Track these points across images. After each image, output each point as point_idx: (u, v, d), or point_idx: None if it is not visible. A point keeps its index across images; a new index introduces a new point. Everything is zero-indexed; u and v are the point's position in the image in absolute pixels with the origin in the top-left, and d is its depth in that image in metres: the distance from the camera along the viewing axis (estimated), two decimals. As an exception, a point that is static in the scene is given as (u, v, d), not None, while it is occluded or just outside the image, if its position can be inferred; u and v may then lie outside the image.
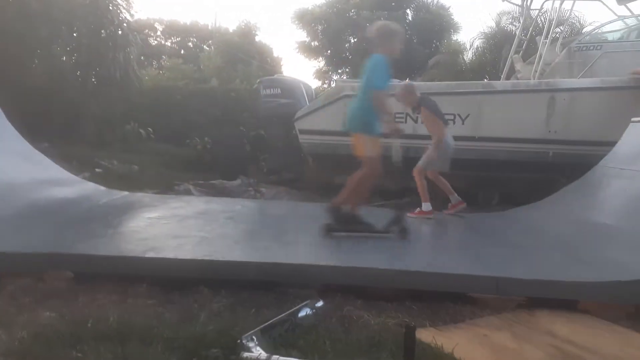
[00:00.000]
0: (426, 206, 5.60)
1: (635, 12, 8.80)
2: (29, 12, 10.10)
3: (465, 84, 8.48)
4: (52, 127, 9.82)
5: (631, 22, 8.67)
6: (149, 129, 11.88)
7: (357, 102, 4.33)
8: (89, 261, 3.36)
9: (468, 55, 17.69)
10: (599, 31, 9.05)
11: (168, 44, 25.61)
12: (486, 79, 13.19)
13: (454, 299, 3.23)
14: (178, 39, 25.93)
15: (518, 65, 9.41)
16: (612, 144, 5.53)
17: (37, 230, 3.89)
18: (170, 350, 2.37)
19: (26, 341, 2.33)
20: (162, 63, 19.85)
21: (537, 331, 2.77)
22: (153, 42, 24.39)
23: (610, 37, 8.75)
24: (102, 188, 6.01)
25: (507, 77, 9.63)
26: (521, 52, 9.64)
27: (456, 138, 7.51)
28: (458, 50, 17.99)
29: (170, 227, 4.33)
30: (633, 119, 5.41)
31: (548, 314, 2.99)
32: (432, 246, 4.01)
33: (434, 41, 19.73)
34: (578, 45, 8.62)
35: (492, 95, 7.86)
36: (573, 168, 5.86)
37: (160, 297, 3.14)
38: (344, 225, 4.31)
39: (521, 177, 7.20)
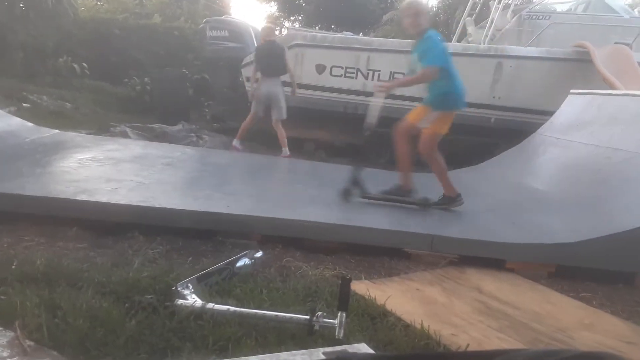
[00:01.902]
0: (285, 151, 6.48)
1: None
2: None
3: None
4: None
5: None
6: (84, 64, 11.12)
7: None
8: (15, 200, 3.17)
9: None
10: (549, 1, 9.27)
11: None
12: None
13: (390, 254, 3.34)
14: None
15: (470, 29, 9.51)
16: (551, 113, 5.78)
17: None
18: (101, 294, 2.30)
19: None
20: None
21: (465, 287, 2.92)
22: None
23: (559, 8, 9.00)
24: (30, 124, 5.59)
25: (459, 40, 9.72)
26: (474, 15, 9.72)
27: (405, 98, 7.58)
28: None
29: (104, 169, 4.13)
30: (572, 91, 5.65)
31: (476, 272, 3.17)
32: (371, 202, 4.07)
33: (389, -3, 19.53)
34: (528, 13, 8.80)
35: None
36: (513, 134, 6.09)
37: (91, 241, 3.05)
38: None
39: (463, 140, 7.41)
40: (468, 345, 2.17)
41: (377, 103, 4.10)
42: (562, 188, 4.24)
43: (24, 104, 7.87)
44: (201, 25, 10.21)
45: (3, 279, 2.32)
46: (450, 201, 4.10)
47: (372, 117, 4.11)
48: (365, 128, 4.12)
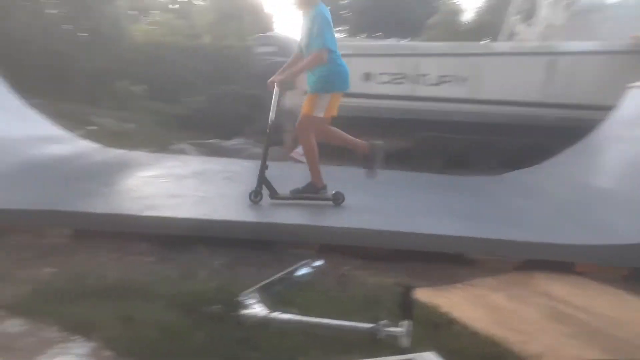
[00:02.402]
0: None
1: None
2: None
3: (465, 45, 8.35)
4: (44, 83, 9.62)
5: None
6: (143, 86, 11.68)
7: None
8: (88, 218, 3.35)
9: (468, 16, 17.38)
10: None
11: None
12: (486, 40, 12.99)
13: (453, 261, 3.27)
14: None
15: (519, 27, 9.25)
16: (610, 108, 5.51)
17: (34, 187, 3.86)
18: (170, 306, 2.39)
19: (28, 296, 2.34)
20: (153, 18, 19.30)
21: (533, 292, 2.82)
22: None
23: (612, 1, 8.59)
24: (97, 145, 5.94)
25: (508, 39, 9.47)
26: (522, 13, 9.44)
27: (454, 100, 7.47)
28: (457, 10, 17.65)
29: (167, 186, 4.31)
30: (631, 84, 5.37)
31: (544, 276, 3.04)
32: (431, 208, 4.01)
33: (433, 1, 19.30)
34: (580, 7, 8.44)
35: (491, 57, 7.76)
36: (571, 132, 5.84)
37: (159, 255, 3.15)
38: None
39: (519, 140, 7.19)
40: (542, 353, 2.09)
41: (275, 98, 3.97)
42: (630, 186, 4.01)
43: (89, 127, 8.34)
44: (250, 43, 10.48)
45: (81, 293, 2.45)
46: (313, 190, 3.98)
47: (272, 112, 4.00)
48: (269, 125, 4.00)
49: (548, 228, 3.59)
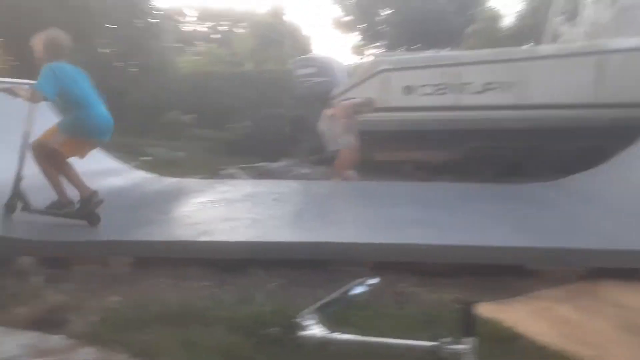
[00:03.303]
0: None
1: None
2: (69, 5, 10.37)
3: (508, 51, 8.18)
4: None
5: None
6: (191, 115, 12.12)
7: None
8: (147, 247, 3.48)
9: (508, 21, 17.05)
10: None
11: (201, 29, 25.79)
12: (529, 44, 12.68)
13: (512, 273, 3.16)
14: (211, 23, 26.07)
15: (562, 28, 8.99)
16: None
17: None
18: (229, 330, 2.43)
19: (97, 324, 2.44)
20: (197, 49, 20.06)
21: (602, 302, 2.68)
22: (187, 28, 24.61)
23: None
24: (151, 175, 6.17)
25: (552, 41, 9.21)
26: (566, 13, 9.18)
27: (501, 107, 7.30)
28: (495, 16, 17.35)
29: (220, 210, 4.41)
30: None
31: (613, 285, 2.89)
32: (486, 219, 3.91)
33: (470, 9, 19.06)
34: (625, 3, 8.11)
35: (537, 60, 7.56)
36: (627, 132, 5.57)
37: (215, 278, 3.21)
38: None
39: (572, 144, 6.93)
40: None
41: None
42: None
43: (143, 158, 8.70)
44: (290, 66, 10.70)
45: (144, 319, 2.53)
46: (59, 206, 3.93)
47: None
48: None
49: (612, 234, 3.41)
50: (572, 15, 9.13)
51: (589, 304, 2.65)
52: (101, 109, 4.10)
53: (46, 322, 2.40)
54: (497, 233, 3.56)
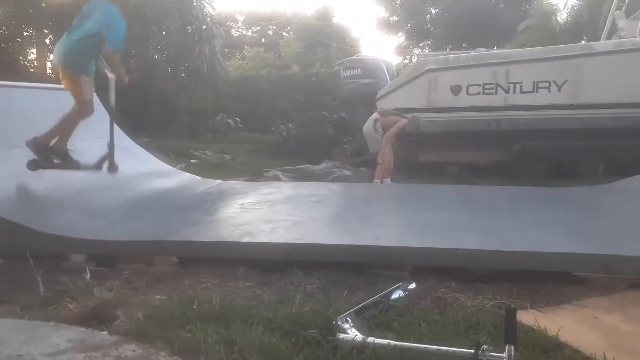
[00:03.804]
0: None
1: None
2: (123, 12, 10.85)
3: (560, 48, 7.88)
4: (150, 122, 10.53)
5: None
6: (237, 118, 12.39)
7: (75, 40, 4.10)
8: (191, 247, 3.59)
9: (562, 16, 16.38)
10: None
11: (249, 33, 26.33)
12: (584, 40, 12.15)
13: (557, 280, 3.05)
14: (258, 27, 26.56)
15: (621, 23, 8.56)
16: None
17: (143, 219, 4.22)
18: (269, 330, 2.47)
19: (141, 322, 2.55)
20: (245, 53, 20.46)
21: (654, 313, 2.54)
22: (235, 33, 25.18)
23: None
24: (198, 177, 6.36)
25: (609, 37, 8.79)
26: (624, 7, 8.73)
27: (553, 107, 7.04)
28: (550, 11, 16.68)
29: (262, 212, 4.49)
30: None
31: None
32: (531, 223, 3.78)
33: (523, 4, 18.46)
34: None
35: (592, 57, 7.24)
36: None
37: (257, 279, 3.28)
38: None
39: (628, 144, 6.59)
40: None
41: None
42: None
43: (191, 160, 8.99)
44: (335, 68, 10.73)
45: (187, 317, 2.61)
46: None
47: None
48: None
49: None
50: (631, 8, 8.68)
51: (638, 314, 2.52)
52: None
53: (93, 318, 2.52)
54: (544, 238, 3.44)
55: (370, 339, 2.23)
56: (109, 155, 4.26)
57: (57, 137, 4.26)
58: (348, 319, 2.46)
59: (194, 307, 2.76)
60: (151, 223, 3.93)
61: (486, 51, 8.92)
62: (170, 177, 6.05)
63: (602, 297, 2.79)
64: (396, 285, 2.88)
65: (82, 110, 4.20)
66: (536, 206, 4.55)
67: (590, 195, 5.04)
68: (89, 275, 3.12)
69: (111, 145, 4.24)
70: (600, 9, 12.00)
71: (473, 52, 9.09)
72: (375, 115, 7.13)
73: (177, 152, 9.11)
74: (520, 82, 7.37)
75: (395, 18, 21.12)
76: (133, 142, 6.14)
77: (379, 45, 42.77)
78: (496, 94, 7.47)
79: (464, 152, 7.88)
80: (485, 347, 2.03)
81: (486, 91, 7.54)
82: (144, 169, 5.64)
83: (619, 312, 2.57)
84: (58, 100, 4.38)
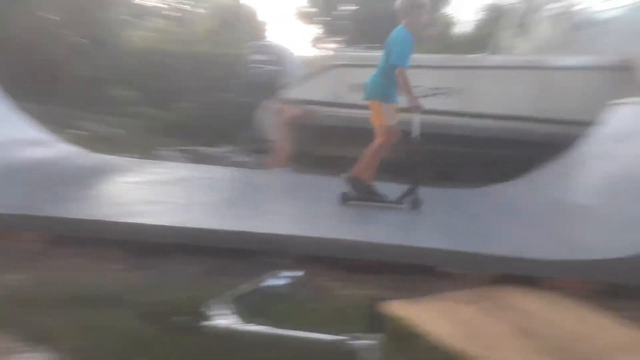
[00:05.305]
0: None
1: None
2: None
3: (454, 58, 8.37)
4: (38, 87, 9.62)
5: (627, 2, 8.52)
6: (137, 92, 11.70)
7: (377, 71, 4.48)
8: (62, 223, 3.33)
9: (462, 28, 17.50)
10: (594, 10, 8.89)
11: (163, 5, 24.90)
12: (481, 53, 13.06)
13: (429, 273, 3.25)
14: (173, 1, 25.21)
15: (514, 40, 9.30)
16: (595, 124, 5.51)
17: (12, 190, 3.83)
18: (141, 316, 2.37)
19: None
20: (154, 25, 19.37)
21: (504, 306, 2.80)
22: (148, 3, 23.70)
23: (605, 16, 8.60)
24: (83, 150, 5.91)
25: (503, 52, 9.51)
26: (518, 27, 9.48)
27: (445, 113, 7.46)
28: (450, 22, 17.78)
29: (148, 192, 4.29)
30: (615, 100, 5.38)
31: (516, 290, 3.03)
32: (408, 219, 4.01)
33: (430, 13, 19.41)
34: (574, 22, 8.48)
35: (485, 70, 7.78)
36: (556, 147, 5.84)
37: (133, 262, 3.12)
38: (360, 195, 4.52)
39: (507, 154, 7.19)
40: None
41: None
42: (607, 202, 4.01)
43: (79, 131, 8.33)
44: (243, 50, 10.52)
45: (49, 300, 2.42)
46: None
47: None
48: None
49: (523, 243, 3.58)
50: (525, 29, 9.43)
51: (491, 307, 2.77)
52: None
53: None
54: (417, 234, 3.66)
55: (240, 325, 2.22)
56: None
57: None
58: (223, 305, 2.43)
59: (58, 289, 2.56)
60: (19, 195, 3.58)
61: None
62: (50, 147, 5.54)
63: (464, 291, 3.02)
64: (279, 273, 2.89)
65: None
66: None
67: (462, 197, 5.43)
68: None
69: None
70: (496, 25, 12.95)
71: (378, 53, 9.38)
72: (273, 102, 7.10)
73: (66, 121, 8.38)
74: (419, 86, 7.71)
75: (313, 9, 21.17)
76: (10, 106, 5.54)
77: (295, 33, 42.65)
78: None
79: (359, 149, 8.12)
80: (356, 334, 2.11)
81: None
82: (20, 136, 5.12)
83: (475, 304, 2.79)
84: None
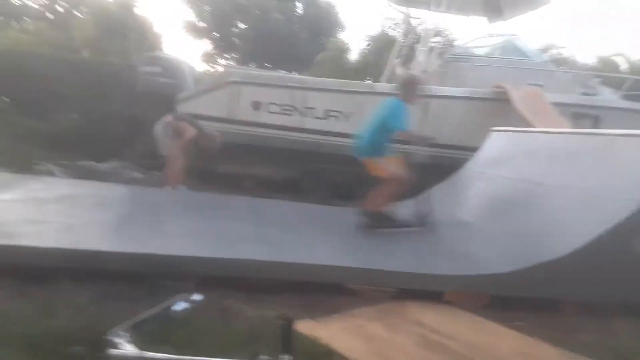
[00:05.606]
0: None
1: (502, 32, 9.82)
2: None
3: (349, 83, 8.75)
4: None
5: (498, 40, 9.62)
6: (5, 98, 10.51)
7: (369, 134, 4.81)
8: None
9: (353, 55, 18.39)
10: (470, 46, 9.90)
11: (34, 5, 22.83)
12: (368, 79, 13.78)
13: (333, 291, 3.32)
14: (47, 1, 23.25)
15: (398, 70, 9.95)
16: (475, 149, 6.10)
17: None
18: (27, 348, 2.13)
19: None
20: (25, 26, 17.64)
21: (406, 321, 2.96)
22: (16, 2, 21.56)
23: (479, 52, 9.63)
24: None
25: (389, 80, 10.12)
26: (402, 57, 10.19)
27: (337, 134, 7.74)
28: (343, 49, 18.59)
29: (27, 211, 3.85)
30: (493, 128, 6.02)
31: (417, 305, 3.22)
32: (311, 239, 4.07)
33: (322, 38, 20.13)
34: (451, 56, 9.34)
35: (373, 95, 8.22)
36: (441, 170, 6.34)
37: (16, 289, 2.82)
38: (381, 223, 4.73)
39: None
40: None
41: None
42: (490, 220, 4.45)
43: None
44: (134, 61, 10.00)
45: None
46: None
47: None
48: None
49: (420, 259, 3.83)
50: (407, 59, 10.14)
51: (396, 322, 2.91)
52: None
53: None
54: (320, 252, 3.72)
55: (143, 354, 2.09)
56: None
57: None
58: (122, 333, 2.27)
59: None
60: None
61: (286, 74, 9.38)
62: None
63: (368, 307, 3.14)
64: (179, 297, 2.76)
65: None
66: (316, 223, 4.91)
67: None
68: None
69: None
70: (383, 54, 13.79)
71: (275, 73, 9.46)
72: (167, 118, 6.84)
73: None
74: (314, 108, 7.94)
75: (203, 24, 20.85)
76: None
77: (184, 47, 41.46)
78: (292, 116, 7.90)
79: (260, 167, 8.10)
80: (263, 357, 2.08)
81: (284, 111, 7.91)
82: None
83: (380, 320, 2.92)
84: None
